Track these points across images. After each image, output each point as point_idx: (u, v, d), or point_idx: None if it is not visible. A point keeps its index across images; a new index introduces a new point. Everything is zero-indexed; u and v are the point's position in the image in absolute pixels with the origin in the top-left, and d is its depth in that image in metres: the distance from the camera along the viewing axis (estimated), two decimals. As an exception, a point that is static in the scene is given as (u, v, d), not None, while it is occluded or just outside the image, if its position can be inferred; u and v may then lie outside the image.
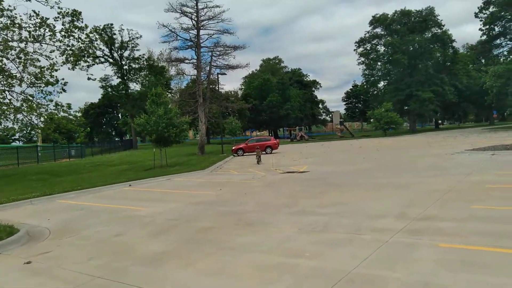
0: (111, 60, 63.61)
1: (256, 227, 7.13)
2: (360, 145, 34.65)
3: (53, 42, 25.23)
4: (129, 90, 66.21)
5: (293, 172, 16.93)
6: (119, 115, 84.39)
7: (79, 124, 31.66)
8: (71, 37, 27.94)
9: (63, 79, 25.14)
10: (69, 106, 25.97)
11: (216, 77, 36.87)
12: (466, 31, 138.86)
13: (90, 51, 30.20)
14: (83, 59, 30.37)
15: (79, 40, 28.13)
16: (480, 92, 73.08)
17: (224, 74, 36.89)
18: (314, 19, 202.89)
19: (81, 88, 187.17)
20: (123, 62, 65.02)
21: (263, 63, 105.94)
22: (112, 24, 63.11)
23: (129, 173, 21.80)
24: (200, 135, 37.12)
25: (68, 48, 27.84)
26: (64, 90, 25.42)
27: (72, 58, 27.49)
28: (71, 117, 27.82)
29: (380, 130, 57.58)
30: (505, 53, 46.59)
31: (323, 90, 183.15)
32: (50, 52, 25.05)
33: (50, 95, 24.59)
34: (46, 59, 24.43)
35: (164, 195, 12.43)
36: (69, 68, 26.53)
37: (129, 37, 63.92)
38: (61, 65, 25.57)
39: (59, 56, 25.27)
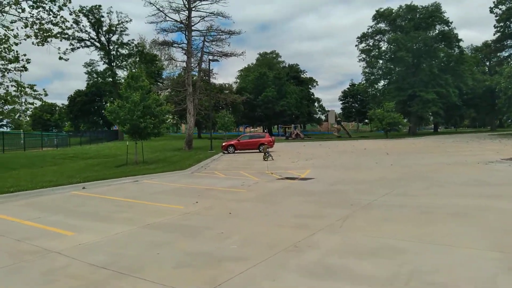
0: (97, 44, 59.38)
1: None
2: (364, 147, 31.31)
3: (18, 12, 21.53)
4: (117, 77, 62.06)
5: (294, 178, 13.49)
6: (108, 103, 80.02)
7: (46, 110, 27.90)
8: (40, 8, 24.28)
9: (24, 55, 21.34)
10: (31, 87, 22.15)
11: (208, 65, 33.17)
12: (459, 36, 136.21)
13: (64, 26, 26.18)
14: (56, 35, 26.40)
15: (51, 12, 24.50)
16: (483, 96, 70.63)
17: (217, 60, 33.24)
18: (310, 18, 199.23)
19: (78, 77, 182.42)
20: (111, 47, 60.85)
21: (259, 57, 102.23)
22: (100, 6, 58.74)
23: (96, 169, 18.20)
24: (188, 128, 33.49)
25: (37, 22, 24.22)
26: (26, 69, 21.62)
27: (41, 33, 23.85)
28: (36, 100, 23.98)
29: (381, 131, 54.37)
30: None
31: (317, 90, 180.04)
32: (11, 22, 21.31)
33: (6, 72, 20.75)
34: (5, 30, 20.65)
35: (117, 208, 8.89)
36: (33, 43, 22.75)
37: (118, 21, 59.68)
38: (24, 39, 21.79)
39: (21, 28, 21.49)
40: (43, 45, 24.72)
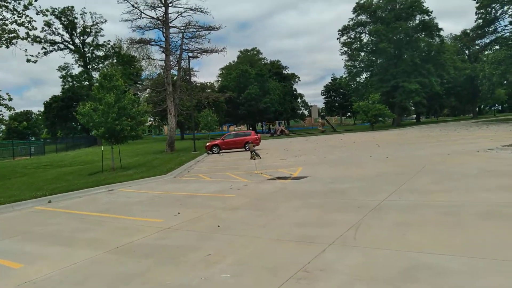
0: (71, 47, 56.80)
1: None
2: (353, 140, 30.43)
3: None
4: (93, 80, 59.63)
5: (286, 178, 12.30)
6: (80, 105, 76.80)
7: (16, 117, 25.90)
8: (3, 8, 22.56)
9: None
10: (-6, 92, 20.28)
11: (188, 63, 31.65)
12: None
13: (30, 26, 24.21)
14: (23, 38, 24.41)
15: (15, 12, 22.70)
16: (464, 84, 71.14)
17: (197, 57, 31.76)
18: (289, 14, 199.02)
19: (56, 83, 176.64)
20: (86, 49, 58.38)
21: (240, 55, 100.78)
22: (73, 7, 56.23)
23: (68, 178, 16.60)
24: (169, 129, 31.89)
25: (0, 22, 22.52)
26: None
27: (4, 34, 22.11)
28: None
29: (367, 124, 53.85)
30: (507, 35, 42.61)
31: (299, 85, 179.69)
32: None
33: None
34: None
35: (84, 226, 7.50)
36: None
37: (93, 22, 57.32)
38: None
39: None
40: (7, 47, 23.02)
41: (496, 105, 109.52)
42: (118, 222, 7.55)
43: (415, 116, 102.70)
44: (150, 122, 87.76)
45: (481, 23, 43.94)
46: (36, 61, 25.88)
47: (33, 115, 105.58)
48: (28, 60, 26.13)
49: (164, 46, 30.96)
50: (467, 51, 76.26)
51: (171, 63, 31.51)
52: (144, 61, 69.02)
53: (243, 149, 27.91)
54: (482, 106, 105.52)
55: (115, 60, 61.18)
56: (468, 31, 72.18)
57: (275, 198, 8.92)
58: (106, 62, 59.26)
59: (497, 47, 43.90)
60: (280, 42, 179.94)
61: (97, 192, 11.99)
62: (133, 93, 22.25)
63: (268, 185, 11.22)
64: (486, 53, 44.07)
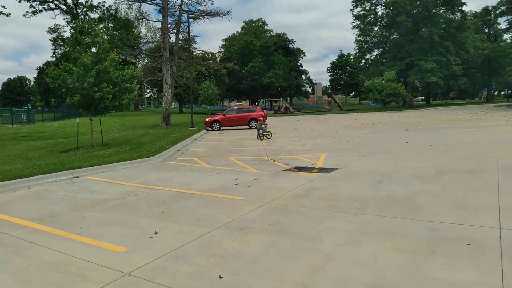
0: (63, 7, 52.49)
1: None
2: (372, 121, 27.18)
3: None
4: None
5: (309, 169, 9.20)
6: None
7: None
8: None
9: None
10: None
11: (187, 26, 27.86)
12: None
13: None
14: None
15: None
16: (481, 65, 66.97)
17: (198, 18, 27.91)
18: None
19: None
20: (79, 11, 54.01)
21: (245, 25, 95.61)
22: (64, -37, 51.47)
23: (33, 155, 13.55)
24: (165, 101, 28.54)
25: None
26: None
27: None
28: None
29: (378, 104, 50.37)
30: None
31: (303, 62, 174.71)
32: None
33: None
34: None
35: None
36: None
37: (86, -20, 52.70)
38: None
39: None
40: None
41: (506, 89, 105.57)
42: (50, 249, 4.46)
43: (421, 98, 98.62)
44: (149, 94, 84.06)
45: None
46: (10, 14, 22.29)
47: (27, 82, 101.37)
48: (0, 13, 22.48)
49: (161, 4, 27.13)
50: (486, 30, 71.64)
51: (168, 25, 27.77)
52: (142, 27, 64.58)
53: (247, 127, 24.72)
54: (492, 90, 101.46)
55: (111, 24, 56.95)
56: (490, 8, 67.73)
57: (305, 207, 5.83)
58: (101, 25, 54.95)
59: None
60: (283, 16, 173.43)
61: (56, 180, 8.89)
62: (124, 58, 18.99)
63: (287, 180, 8.13)
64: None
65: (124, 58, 51.11)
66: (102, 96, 13.85)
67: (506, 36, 61.00)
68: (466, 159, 9.49)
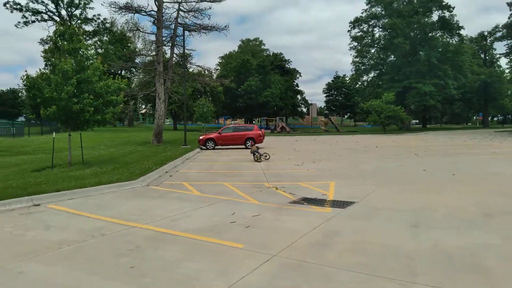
0: (56, 18, 51.30)
1: None
2: (375, 144, 25.80)
3: None
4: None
5: (320, 202, 7.63)
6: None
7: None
8: None
9: None
10: None
11: (183, 39, 26.59)
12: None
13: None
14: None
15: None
16: (476, 90, 66.71)
17: (194, 31, 26.64)
18: (290, 11, 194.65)
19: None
20: (73, 23, 52.82)
21: (242, 44, 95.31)
22: (59, -26, 50.60)
23: (3, 173, 11.80)
24: (157, 116, 26.96)
25: None
26: None
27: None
28: None
29: (370, 126, 49.26)
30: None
31: (298, 82, 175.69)
32: None
33: None
34: None
35: None
36: None
37: (81, -9, 51.74)
38: None
39: None
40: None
41: (499, 115, 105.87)
42: None
43: (415, 121, 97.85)
44: (144, 110, 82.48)
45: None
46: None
47: (20, 94, 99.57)
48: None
49: (156, 16, 25.93)
50: (482, 55, 71.90)
51: (163, 38, 26.53)
52: (139, 42, 63.61)
53: (243, 147, 23.17)
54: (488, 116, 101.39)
55: (106, 38, 55.87)
56: (486, 34, 68.14)
57: (330, 265, 4.22)
58: (96, 38, 53.86)
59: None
60: (279, 38, 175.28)
61: (9, 208, 7.18)
62: (119, 73, 17.48)
63: (296, 217, 6.53)
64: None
65: (118, 72, 49.85)
66: (82, 108, 12.26)
67: (504, 61, 60.96)
68: (504, 194, 8.00)
